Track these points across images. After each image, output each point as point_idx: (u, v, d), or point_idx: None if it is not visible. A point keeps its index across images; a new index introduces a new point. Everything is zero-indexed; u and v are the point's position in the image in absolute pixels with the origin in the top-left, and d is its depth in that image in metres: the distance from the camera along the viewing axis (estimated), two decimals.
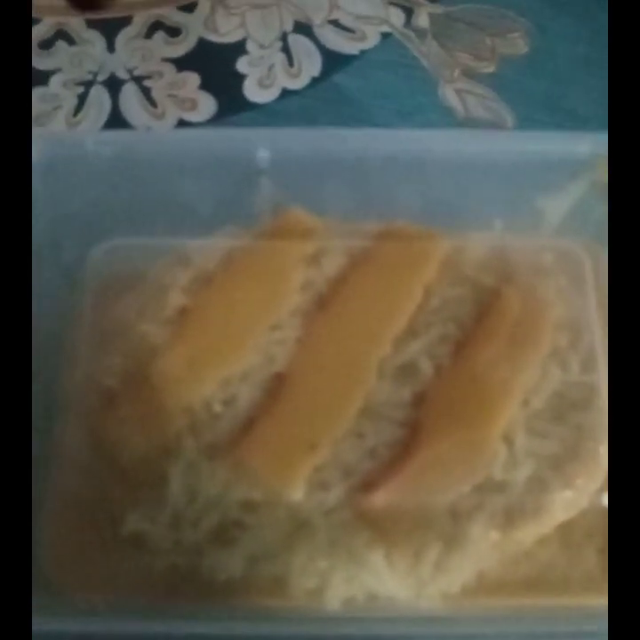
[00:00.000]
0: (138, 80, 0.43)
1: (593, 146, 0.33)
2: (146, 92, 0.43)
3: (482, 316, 0.30)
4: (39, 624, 0.23)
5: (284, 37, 0.45)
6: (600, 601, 0.28)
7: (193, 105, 0.43)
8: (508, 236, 0.33)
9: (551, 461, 0.28)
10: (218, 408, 0.28)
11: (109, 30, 0.45)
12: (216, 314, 0.30)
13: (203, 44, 0.45)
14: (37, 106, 0.42)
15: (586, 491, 0.28)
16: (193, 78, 0.44)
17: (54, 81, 0.43)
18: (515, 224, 0.34)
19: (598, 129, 0.41)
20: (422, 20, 0.45)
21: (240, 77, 0.44)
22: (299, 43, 0.45)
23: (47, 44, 0.45)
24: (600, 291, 0.31)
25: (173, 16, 0.45)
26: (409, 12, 0.46)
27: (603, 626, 0.27)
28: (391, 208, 0.33)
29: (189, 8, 0.46)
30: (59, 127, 0.42)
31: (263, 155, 0.33)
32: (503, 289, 0.30)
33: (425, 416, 0.28)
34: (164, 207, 0.32)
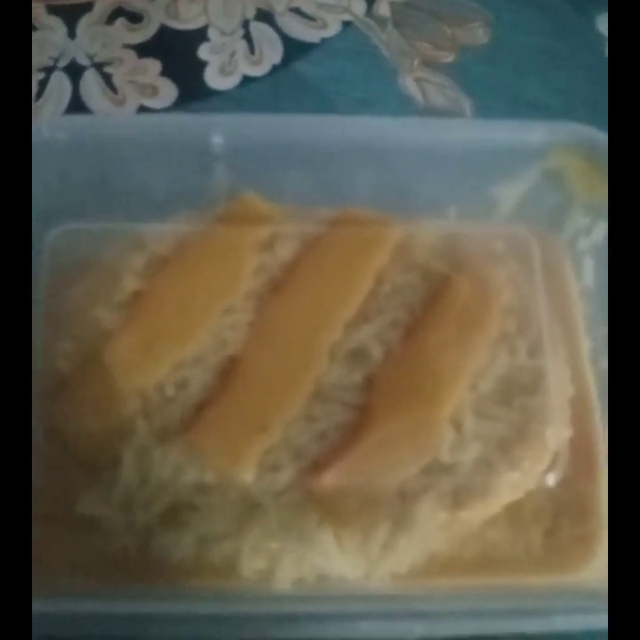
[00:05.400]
0: (99, 66, 0.43)
1: (545, 134, 0.34)
2: (107, 79, 0.43)
3: (432, 302, 0.31)
4: None
5: (245, 25, 0.45)
6: (545, 580, 0.29)
7: (154, 91, 0.43)
8: (461, 222, 0.34)
9: (498, 443, 0.28)
10: (170, 391, 0.29)
11: (70, 16, 0.45)
12: (170, 298, 0.30)
13: (164, 31, 0.44)
14: None
15: (532, 472, 0.29)
16: (154, 65, 0.43)
17: None
18: (468, 211, 0.34)
19: (555, 119, 0.42)
20: (383, 8, 0.46)
21: (201, 64, 0.44)
22: (260, 30, 0.45)
23: None
24: (548, 277, 0.32)
25: (135, 2, 0.45)
26: (370, 1, 0.46)
27: (548, 604, 0.28)
28: (346, 194, 0.33)
29: None
30: None
31: (218, 140, 0.33)
32: (453, 275, 0.31)
33: (375, 399, 0.29)
34: (118, 192, 0.32)
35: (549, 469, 0.29)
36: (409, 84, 0.43)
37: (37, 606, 0.26)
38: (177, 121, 0.35)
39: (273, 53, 0.44)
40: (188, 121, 0.34)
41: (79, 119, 0.37)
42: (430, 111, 0.42)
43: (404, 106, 0.43)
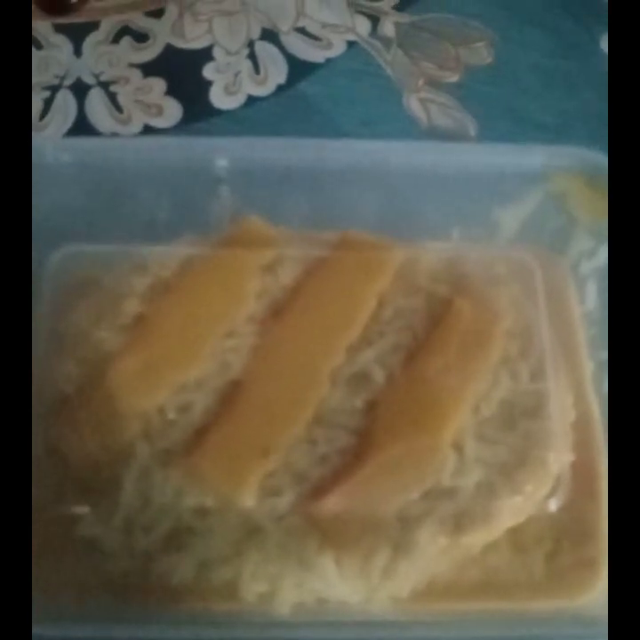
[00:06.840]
0: (104, 85, 0.44)
1: (547, 158, 0.34)
2: (112, 98, 0.43)
3: (434, 326, 0.31)
4: None
5: (250, 44, 0.45)
6: (548, 605, 0.29)
7: (159, 111, 0.43)
8: (463, 246, 0.34)
9: (500, 468, 0.28)
10: (172, 415, 0.29)
11: (77, 35, 0.45)
12: (172, 321, 0.30)
13: (169, 50, 0.45)
14: None
15: (534, 497, 0.29)
16: (159, 84, 0.44)
17: None
18: (471, 234, 0.34)
19: (560, 139, 0.42)
20: (388, 28, 0.46)
21: (206, 84, 0.44)
22: (265, 50, 0.45)
23: None
24: (551, 300, 0.32)
25: (141, 21, 0.46)
26: (375, 21, 0.46)
27: (551, 629, 0.28)
28: (349, 218, 0.33)
29: (157, 14, 0.46)
30: None
31: (222, 163, 0.33)
32: (455, 298, 0.31)
33: (376, 423, 0.29)
34: (122, 214, 0.33)
35: (551, 494, 0.29)
36: (413, 104, 0.44)
37: (36, 630, 0.26)
38: (181, 144, 0.35)
39: (278, 73, 0.44)
40: (192, 144, 0.34)
41: (83, 141, 0.37)
42: (434, 131, 0.43)
43: (408, 126, 0.43)
